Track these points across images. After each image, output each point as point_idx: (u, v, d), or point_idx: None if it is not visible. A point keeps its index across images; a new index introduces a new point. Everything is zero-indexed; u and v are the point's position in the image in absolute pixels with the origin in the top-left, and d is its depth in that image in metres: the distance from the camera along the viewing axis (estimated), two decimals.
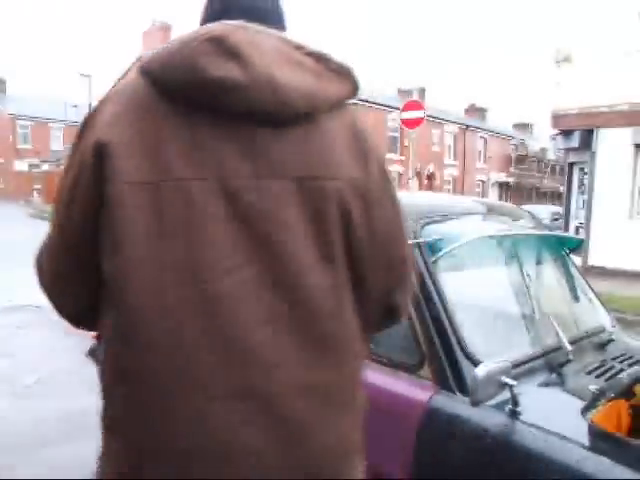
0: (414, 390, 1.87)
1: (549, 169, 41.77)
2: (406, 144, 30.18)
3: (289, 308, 0.98)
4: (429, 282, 1.97)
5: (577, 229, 14.68)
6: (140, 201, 0.95)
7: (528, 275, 2.26)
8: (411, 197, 2.53)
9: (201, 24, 1.11)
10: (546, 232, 2.77)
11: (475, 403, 1.63)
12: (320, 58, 1.05)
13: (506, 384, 1.63)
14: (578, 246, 2.96)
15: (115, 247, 0.96)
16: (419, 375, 1.90)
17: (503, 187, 41.10)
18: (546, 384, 1.97)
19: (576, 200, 15.01)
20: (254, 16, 1.07)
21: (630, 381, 1.78)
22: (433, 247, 2.03)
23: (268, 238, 0.98)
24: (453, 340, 1.87)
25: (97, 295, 1.03)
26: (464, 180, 36.56)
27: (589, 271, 13.00)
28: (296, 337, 0.99)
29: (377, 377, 1.96)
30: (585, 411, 1.75)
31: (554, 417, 1.79)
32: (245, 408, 0.96)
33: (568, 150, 15.15)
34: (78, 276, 1.06)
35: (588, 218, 13.59)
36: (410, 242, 1.94)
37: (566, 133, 14.45)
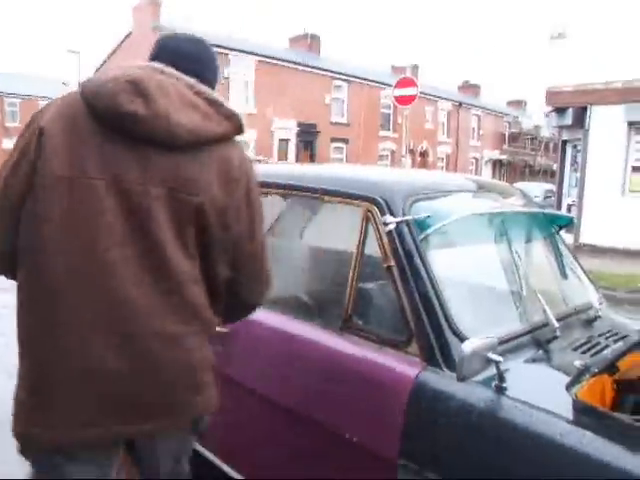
0: (402, 366, 1.87)
1: (543, 146, 41.70)
2: (399, 121, 30.01)
3: (157, 279, 1.39)
4: (417, 259, 1.97)
5: (569, 207, 14.73)
6: (60, 189, 1.34)
7: (517, 252, 2.26)
8: (400, 175, 2.52)
9: (149, 59, 1.54)
10: (536, 210, 2.76)
11: (461, 379, 1.64)
12: (213, 103, 1.44)
13: (492, 360, 1.64)
14: (568, 224, 2.96)
15: (36, 220, 1.35)
16: (407, 352, 1.91)
17: (497, 165, 41.07)
18: (532, 360, 1.99)
19: (569, 178, 15.04)
20: (180, 59, 1.50)
21: (614, 357, 1.80)
22: (422, 224, 2.03)
23: (146, 229, 1.38)
24: (441, 316, 1.88)
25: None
26: (457, 158, 36.47)
27: (580, 249, 13.08)
28: (160, 299, 1.39)
29: (366, 353, 1.97)
30: (570, 386, 1.77)
31: (539, 392, 1.81)
32: (118, 342, 1.36)
33: (561, 127, 15.12)
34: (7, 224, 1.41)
35: (580, 196, 13.63)
36: (395, 221, 1.99)
37: (560, 110, 14.41)
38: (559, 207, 15.21)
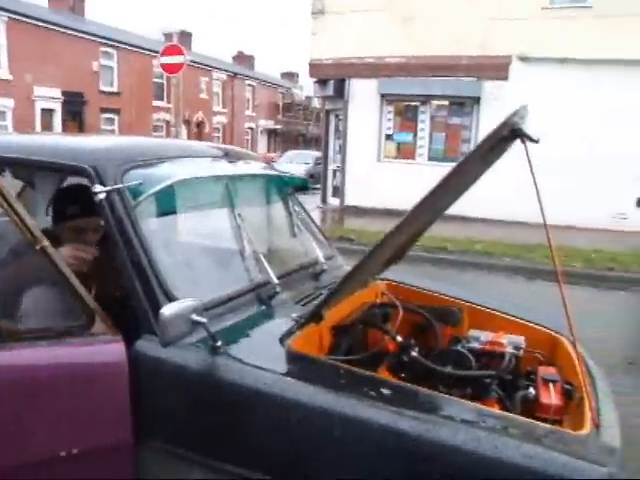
0: (106, 348, 1.78)
1: (314, 117, 43.93)
2: (174, 91, 29.13)
3: None
4: (129, 228, 1.90)
5: (335, 172, 15.81)
6: None
7: (241, 215, 2.31)
8: (115, 142, 2.40)
9: None
10: (268, 173, 2.85)
11: (165, 344, 1.64)
12: None
13: (197, 322, 1.67)
14: (303, 185, 3.14)
15: None
16: (92, 334, 1.80)
17: (272, 134, 42.32)
18: (253, 318, 2.07)
19: (333, 145, 16.09)
20: None
21: (318, 306, 1.94)
22: (134, 192, 1.96)
23: None
24: (154, 283, 1.85)
25: None
26: (233, 128, 36.74)
27: (346, 211, 14.21)
28: None
29: (51, 354, 1.75)
30: (284, 339, 1.88)
31: (257, 348, 1.89)
32: None
33: (325, 98, 16.06)
34: None
35: (343, 162, 14.70)
36: (105, 190, 1.90)
37: (322, 82, 15.26)
38: (326, 173, 16.25)
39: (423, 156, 14.09)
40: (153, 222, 1.99)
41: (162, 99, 29.83)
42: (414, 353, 2.22)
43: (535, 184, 1.93)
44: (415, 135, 14.20)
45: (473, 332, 2.65)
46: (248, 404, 1.63)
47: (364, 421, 1.49)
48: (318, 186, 17.24)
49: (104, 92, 26.31)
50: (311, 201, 17.29)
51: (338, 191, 15.10)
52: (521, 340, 2.54)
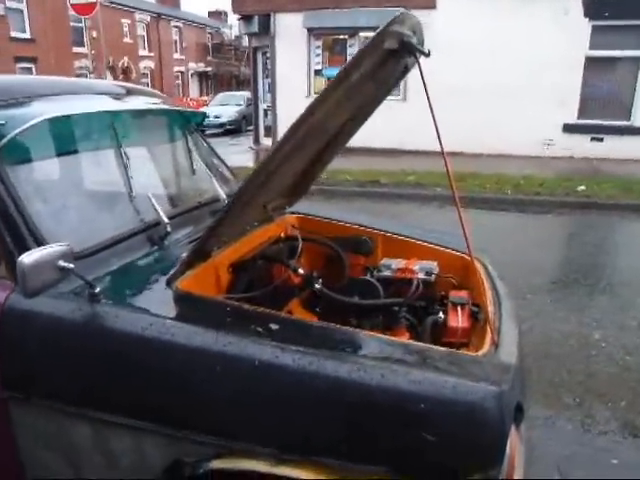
0: None
1: (245, 57, 42.55)
2: (94, 36, 27.43)
3: None
4: None
5: (266, 111, 15.41)
6: None
7: (126, 154, 2.14)
8: None
9: None
10: (162, 108, 2.65)
11: (29, 294, 1.50)
12: None
13: (64, 269, 1.53)
14: (202, 121, 2.96)
15: None
16: None
17: (203, 77, 40.76)
18: (142, 261, 1.94)
19: (262, 84, 15.62)
20: None
21: (200, 242, 1.81)
22: None
23: None
24: (24, 231, 1.69)
25: None
26: (162, 72, 35.14)
27: None
28: None
29: None
30: (171, 280, 1.77)
31: (142, 292, 1.78)
32: None
33: (251, 35, 15.45)
34: None
35: (273, 100, 14.32)
36: None
37: (247, 18, 14.62)
38: (257, 113, 15.84)
39: None
40: (21, 165, 1.80)
41: (82, 45, 28.06)
42: (318, 285, 2.16)
43: (430, 108, 1.83)
44: None
45: (385, 260, 2.61)
46: (129, 351, 1.53)
47: (244, 359, 1.41)
48: (251, 128, 16.84)
49: (16, 39, 24.47)
50: (245, 142, 16.95)
51: (270, 131, 14.76)
52: (433, 265, 2.51)
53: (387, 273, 2.46)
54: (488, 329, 1.73)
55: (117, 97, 2.38)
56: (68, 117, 1.99)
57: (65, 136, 2.00)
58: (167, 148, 2.60)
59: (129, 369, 1.54)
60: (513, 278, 5.16)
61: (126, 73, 31.27)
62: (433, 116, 1.83)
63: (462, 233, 1.86)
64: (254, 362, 1.40)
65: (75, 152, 2.05)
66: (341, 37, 13.86)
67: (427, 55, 1.91)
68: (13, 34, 24.40)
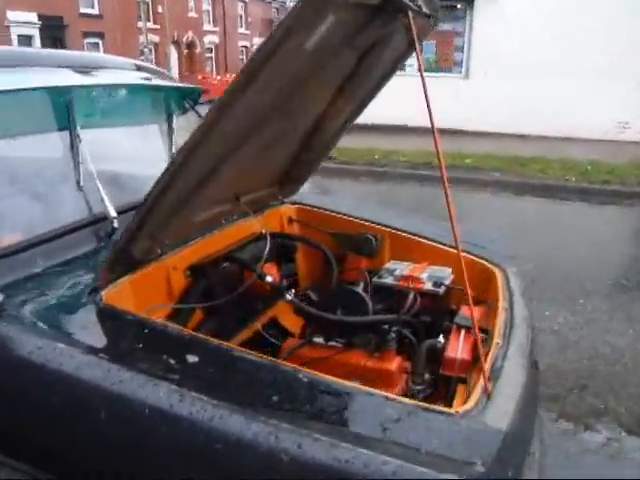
0: None
1: None
2: (160, 11, 27.65)
3: None
4: None
5: None
6: None
7: (79, 137, 1.85)
8: None
9: None
10: (136, 84, 2.30)
11: None
12: None
13: None
14: (198, 97, 2.64)
15: None
16: None
17: None
18: (77, 262, 1.64)
19: None
20: None
21: (118, 245, 1.48)
22: None
23: None
24: None
25: None
26: (226, 47, 35.11)
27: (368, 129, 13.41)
28: None
29: None
30: (95, 290, 1.47)
31: (58, 304, 1.46)
32: None
33: None
34: None
35: None
36: None
37: None
38: None
39: (412, 67, 13.12)
40: None
41: (148, 20, 28.41)
42: (289, 296, 1.81)
43: (424, 86, 1.44)
44: None
45: (390, 264, 2.23)
46: (10, 376, 1.25)
47: (133, 403, 1.09)
48: None
49: (85, 15, 24.96)
50: None
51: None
52: (446, 273, 2.11)
53: (388, 280, 2.08)
54: (481, 374, 1.34)
55: (82, 71, 2.07)
56: (10, 92, 1.71)
57: (6, 114, 1.71)
58: (139, 131, 2.30)
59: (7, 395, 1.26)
60: (565, 278, 4.72)
61: (190, 48, 31.46)
62: (426, 96, 1.44)
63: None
64: (144, 409, 1.08)
65: (8, 133, 1.77)
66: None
67: (429, 16, 1.51)
68: (82, 10, 24.90)
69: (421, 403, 1.21)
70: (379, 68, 1.86)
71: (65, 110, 1.86)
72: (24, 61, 1.95)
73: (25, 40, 22.56)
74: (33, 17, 22.55)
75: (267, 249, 1.81)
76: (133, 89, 2.22)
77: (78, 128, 1.86)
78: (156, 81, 2.44)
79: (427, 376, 1.78)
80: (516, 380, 1.41)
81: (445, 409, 1.20)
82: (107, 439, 1.12)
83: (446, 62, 12.75)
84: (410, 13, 1.42)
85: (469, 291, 2.06)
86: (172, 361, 1.20)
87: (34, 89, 1.79)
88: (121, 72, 2.34)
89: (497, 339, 1.60)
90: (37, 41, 23.09)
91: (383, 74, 1.99)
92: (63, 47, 23.79)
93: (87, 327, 1.37)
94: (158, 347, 1.28)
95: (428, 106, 1.43)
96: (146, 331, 1.33)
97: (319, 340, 1.89)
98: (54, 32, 23.64)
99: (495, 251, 2.37)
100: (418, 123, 12.84)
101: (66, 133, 1.85)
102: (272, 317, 2.22)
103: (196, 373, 1.19)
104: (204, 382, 1.15)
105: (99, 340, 1.31)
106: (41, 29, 23.09)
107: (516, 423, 1.23)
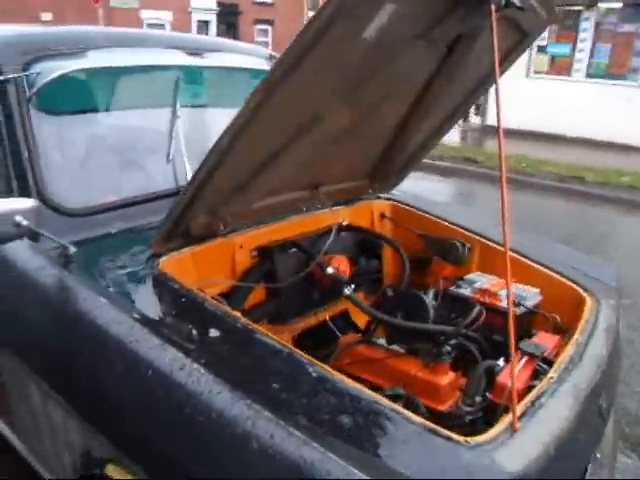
0: None
1: None
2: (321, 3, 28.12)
3: None
4: (16, 119, 1.68)
5: None
6: None
7: (175, 114, 1.97)
8: (25, 29, 2.12)
9: None
10: (241, 67, 2.38)
11: None
12: None
13: (19, 224, 1.42)
14: None
15: None
16: None
17: None
18: (149, 229, 1.75)
19: None
20: None
21: (170, 216, 1.53)
22: (31, 82, 1.72)
23: None
24: (29, 179, 1.65)
25: None
26: None
27: (486, 131, 12.97)
28: None
29: None
30: (153, 257, 1.57)
31: (124, 267, 1.58)
32: None
33: None
34: None
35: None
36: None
37: None
38: None
39: (580, 72, 12.14)
40: (48, 116, 1.75)
41: (313, 10, 29.20)
42: (347, 291, 1.78)
43: (497, 88, 1.34)
44: (574, 47, 12.23)
45: (473, 275, 2.11)
46: (67, 325, 1.41)
47: (140, 362, 1.19)
48: None
49: (258, 3, 26.31)
50: None
51: (480, 109, 13.78)
52: (531, 293, 1.96)
53: (462, 290, 1.98)
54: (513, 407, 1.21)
55: (194, 53, 2.20)
56: (116, 68, 1.88)
57: (100, 89, 1.89)
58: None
59: (63, 340, 1.42)
60: None
61: None
62: (497, 90, 1.33)
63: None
64: (148, 370, 1.14)
65: (109, 107, 1.93)
66: (575, 8, 12.17)
67: (522, 9, 1.41)
68: None
69: (429, 424, 1.11)
70: (474, 66, 1.75)
71: (170, 88, 2.00)
72: (143, 42, 2.13)
73: (203, 25, 24.32)
74: (212, 4, 24.23)
75: (330, 240, 1.81)
76: (239, 72, 2.32)
77: (178, 105, 1.99)
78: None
79: (479, 398, 1.67)
80: (555, 422, 1.27)
81: (455, 436, 1.10)
82: (121, 389, 1.22)
83: (619, 68, 11.63)
84: (492, 5, 1.31)
85: (548, 315, 1.92)
86: (195, 332, 1.26)
87: (144, 67, 1.95)
88: (236, 56, 2.44)
89: (552, 373, 1.45)
90: (213, 26, 24.78)
91: (482, 74, 1.88)
92: (236, 32, 25.31)
93: (139, 290, 1.47)
94: (189, 317, 1.34)
95: (498, 107, 1.31)
96: (183, 300, 1.40)
97: (381, 341, 1.86)
98: (229, 18, 25.22)
99: (597, 279, 2.15)
100: (578, 134, 12.00)
101: (161, 109, 1.99)
102: (343, 310, 2.21)
103: (211, 347, 1.23)
104: (214, 356, 1.20)
105: (143, 303, 1.39)
106: (218, 15, 24.73)
107: (535, 470, 1.09)
